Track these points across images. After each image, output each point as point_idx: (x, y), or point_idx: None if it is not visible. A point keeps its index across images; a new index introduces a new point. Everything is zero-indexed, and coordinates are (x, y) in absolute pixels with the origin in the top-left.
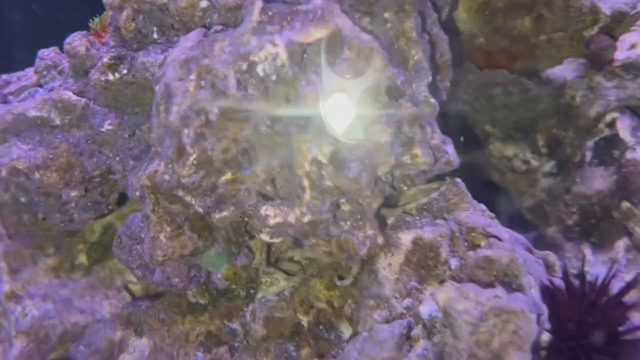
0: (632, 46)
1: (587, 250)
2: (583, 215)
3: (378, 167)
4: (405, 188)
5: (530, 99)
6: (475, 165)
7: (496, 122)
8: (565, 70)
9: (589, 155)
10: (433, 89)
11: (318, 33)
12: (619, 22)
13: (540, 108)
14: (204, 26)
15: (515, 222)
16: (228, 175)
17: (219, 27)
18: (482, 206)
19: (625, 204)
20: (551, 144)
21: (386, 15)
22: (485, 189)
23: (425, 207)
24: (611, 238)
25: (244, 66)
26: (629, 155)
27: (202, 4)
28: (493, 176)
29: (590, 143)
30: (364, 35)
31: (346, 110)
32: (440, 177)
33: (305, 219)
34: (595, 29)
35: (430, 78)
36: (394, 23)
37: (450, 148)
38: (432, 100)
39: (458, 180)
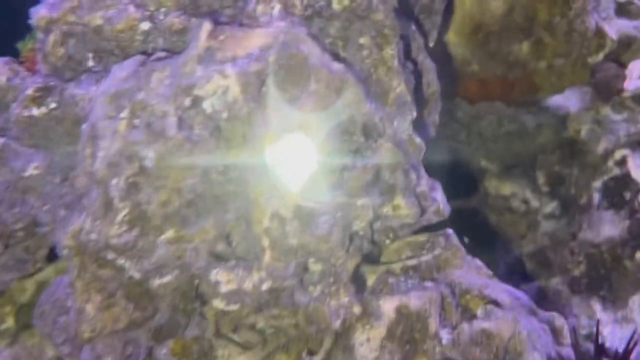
0: None
1: (597, 307)
2: (591, 265)
3: (353, 222)
4: (388, 242)
5: (529, 132)
6: (469, 209)
7: (492, 158)
8: (567, 100)
9: (597, 196)
10: (419, 125)
11: (279, 61)
12: (626, 48)
13: (540, 142)
14: (144, 52)
15: (515, 270)
16: (170, 233)
17: (163, 54)
18: (478, 262)
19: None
20: (553, 182)
21: (362, 40)
22: (482, 232)
23: (412, 266)
24: (624, 292)
25: (187, 102)
26: None
27: (143, 26)
28: (490, 217)
29: (598, 183)
30: (334, 64)
31: (313, 154)
32: (428, 227)
33: (265, 286)
34: (601, 55)
35: (414, 114)
36: (371, 50)
37: (439, 195)
38: (418, 140)
39: (449, 231)
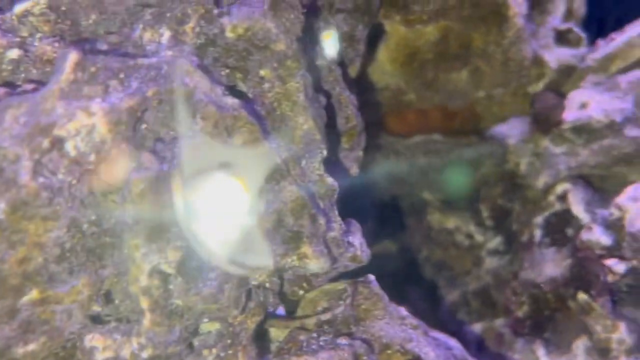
0: (583, 105)
1: (541, 351)
2: (534, 306)
3: (251, 275)
4: (302, 292)
5: (471, 163)
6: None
7: (434, 190)
8: (510, 130)
9: (538, 233)
10: (334, 163)
11: (158, 96)
12: (567, 77)
13: (483, 173)
14: (12, 84)
15: (459, 308)
16: (33, 294)
17: (30, 87)
18: (402, 311)
19: (582, 296)
20: (497, 216)
21: (263, 73)
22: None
23: (327, 320)
24: (569, 335)
25: (46, 143)
26: (584, 235)
27: (11, 54)
28: (435, 252)
29: (539, 219)
30: (227, 100)
31: (199, 202)
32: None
33: (145, 354)
34: (541, 85)
35: (325, 152)
36: (273, 83)
37: (357, 239)
38: (329, 180)
39: (370, 278)
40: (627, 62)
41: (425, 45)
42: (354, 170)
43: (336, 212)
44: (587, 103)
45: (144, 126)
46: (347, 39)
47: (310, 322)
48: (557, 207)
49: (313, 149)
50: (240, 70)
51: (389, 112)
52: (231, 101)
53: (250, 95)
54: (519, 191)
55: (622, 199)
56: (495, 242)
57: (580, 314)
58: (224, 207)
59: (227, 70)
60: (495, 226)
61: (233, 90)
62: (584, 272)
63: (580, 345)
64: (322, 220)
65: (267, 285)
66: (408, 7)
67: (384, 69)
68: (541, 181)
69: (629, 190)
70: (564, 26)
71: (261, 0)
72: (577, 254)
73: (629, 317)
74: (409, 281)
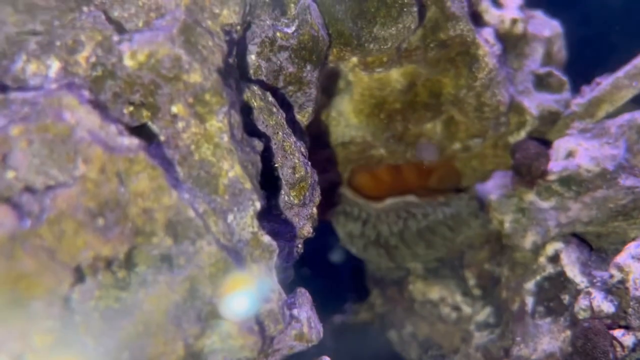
0: (570, 154)
1: None
2: None
3: None
4: None
5: (452, 225)
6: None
7: (415, 256)
8: (493, 186)
9: (530, 301)
10: (278, 221)
11: (26, 136)
12: (550, 125)
13: (467, 236)
14: None
15: None
16: None
17: None
18: None
19: None
20: (485, 284)
21: (175, 109)
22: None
23: None
24: None
25: None
26: (582, 302)
27: None
28: (420, 328)
29: (530, 285)
30: (121, 139)
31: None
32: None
33: None
34: (523, 134)
35: (257, 205)
36: (188, 122)
37: (304, 312)
38: (266, 240)
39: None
40: (615, 105)
41: (392, 95)
42: (307, 229)
43: (275, 279)
44: (575, 151)
45: (9, 174)
46: (294, 82)
47: None
48: (550, 270)
49: (242, 202)
50: (148, 107)
51: (358, 169)
52: (128, 142)
53: (162, 137)
54: (507, 253)
55: (622, 257)
56: (485, 313)
57: None
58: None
59: (131, 108)
60: (483, 295)
61: (140, 132)
62: (590, 347)
63: None
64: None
65: None
66: (363, 46)
67: (349, 121)
68: (529, 240)
69: (631, 247)
70: (543, 70)
71: (170, 25)
72: (582, 325)
73: None
74: None
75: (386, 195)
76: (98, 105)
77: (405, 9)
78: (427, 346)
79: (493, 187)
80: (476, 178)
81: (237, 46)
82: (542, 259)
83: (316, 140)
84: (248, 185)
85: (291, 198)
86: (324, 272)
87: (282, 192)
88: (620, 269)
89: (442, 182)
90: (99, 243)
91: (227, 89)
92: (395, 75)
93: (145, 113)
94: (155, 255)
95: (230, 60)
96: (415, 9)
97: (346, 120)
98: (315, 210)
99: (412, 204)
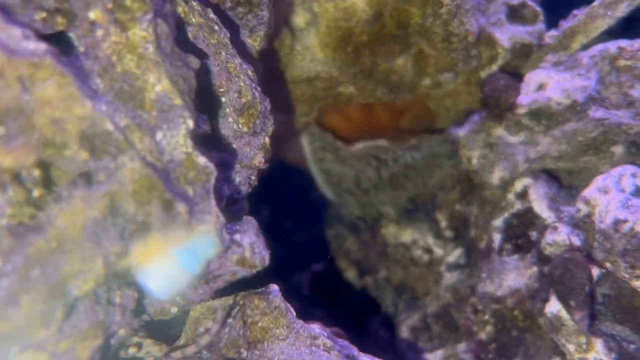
0: (540, 86)
1: None
2: (500, 326)
3: (68, 284)
4: (175, 310)
5: (425, 167)
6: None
7: (387, 200)
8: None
9: (497, 238)
10: (223, 145)
11: None
12: (524, 58)
13: (439, 177)
14: None
15: (420, 334)
16: None
17: None
18: (314, 329)
19: (551, 309)
20: (456, 225)
21: (92, 15)
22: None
23: (207, 344)
24: (541, 358)
25: None
26: (548, 237)
27: None
28: (394, 272)
29: (498, 222)
30: (26, 44)
31: None
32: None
33: None
34: (495, 68)
35: (190, 123)
36: (108, 30)
37: (247, 238)
38: (201, 161)
39: (272, 289)
40: (589, 36)
41: (359, 26)
42: (259, 159)
43: (212, 202)
44: (546, 83)
45: None
46: (244, 2)
47: (192, 350)
48: (518, 206)
49: (173, 119)
50: (63, 14)
51: (327, 108)
52: (33, 46)
53: (81, 48)
54: (476, 192)
55: (589, 191)
56: (455, 254)
57: (551, 332)
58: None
59: (44, 14)
60: (455, 237)
61: (58, 42)
62: (567, 277)
63: None
64: (182, 208)
65: (114, 298)
66: None
67: (315, 56)
68: (496, 176)
69: (597, 181)
70: (517, 1)
71: None
72: (563, 255)
73: (607, 333)
74: (370, 307)
75: (358, 136)
76: (7, 10)
77: None
78: (401, 290)
79: (465, 126)
80: (450, 119)
81: None
82: (510, 196)
83: (278, 76)
84: (178, 101)
85: (240, 125)
86: (297, 217)
87: (230, 119)
88: (586, 202)
89: (415, 122)
90: (0, 153)
91: None
92: (361, 5)
93: (60, 20)
94: (72, 170)
95: None
96: None
97: (312, 55)
98: (267, 140)
99: (383, 149)
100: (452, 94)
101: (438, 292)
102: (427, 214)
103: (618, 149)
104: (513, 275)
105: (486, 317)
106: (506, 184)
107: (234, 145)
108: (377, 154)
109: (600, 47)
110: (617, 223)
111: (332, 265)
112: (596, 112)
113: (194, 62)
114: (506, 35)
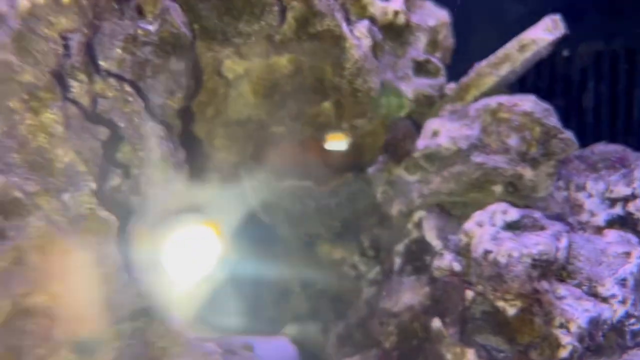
0: (434, 133)
1: None
2: (402, 336)
3: None
4: None
5: (354, 196)
6: None
7: (319, 225)
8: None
9: (398, 261)
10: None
11: None
12: (428, 107)
13: (363, 204)
14: None
15: (346, 341)
16: None
17: None
18: (209, 347)
19: (436, 323)
20: (376, 246)
21: (12, 105)
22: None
23: None
24: None
25: None
26: (436, 262)
27: None
28: (331, 285)
29: (399, 246)
30: None
31: None
32: None
33: None
34: (402, 114)
35: (92, 185)
36: (23, 115)
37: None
38: (103, 214)
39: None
40: (481, 90)
41: (282, 79)
42: (171, 203)
43: (111, 248)
44: (438, 131)
45: None
46: (163, 71)
47: None
48: (415, 234)
49: (78, 182)
50: None
51: (262, 145)
52: None
53: (5, 128)
54: (386, 220)
55: (468, 224)
56: (375, 272)
57: (435, 343)
58: None
59: None
60: (375, 255)
61: None
62: (445, 297)
63: None
64: (81, 257)
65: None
66: (229, 41)
67: (247, 101)
68: (395, 209)
69: (476, 215)
70: (422, 57)
71: (4, 33)
72: (443, 279)
73: (480, 344)
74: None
75: (291, 170)
76: None
77: (267, 8)
78: (335, 302)
79: (374, 165)
80: (374, 153)
81: (100, 45)
82: (409, 225)
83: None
84: (82, 167)
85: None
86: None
87: (149, 170)
88: (466, 234)
89: (345, 156)
90: None
91: (59, 86)
92: (284, 62)
93: None
94: None
95: (75, 60)
96: (276, 7)
97: (245, 100)
98: (180, 187)
99: (309, 189)
100: (372, 134)
101: (359, 304)
102: (356, 235)
103: (497, 188)
104: (409, 294)
105: (391, 328)
106: (405, 215)
107: (151, 192)
108: (303, 194)
109: (483, 101)
110: (485, 253)
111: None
112: (477, 157)
113: (103, 133)
114: (410, 88)
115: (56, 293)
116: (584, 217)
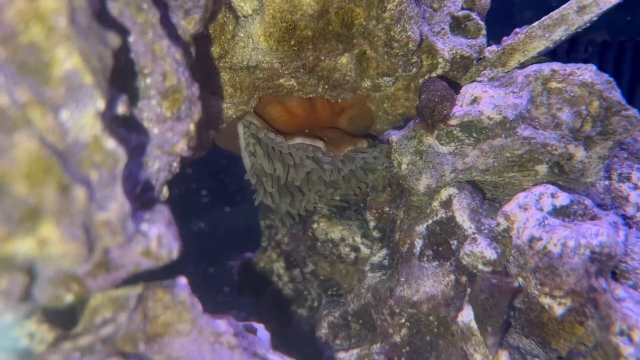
0: (474, 100)
1: None
2: (415, 329)
3: None
4: (70, 297)
5: (360, 172)
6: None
7: (320, 195)
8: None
9: (418, 244)
10: (142, 132)
11: None
12: (463, 70)
13: (373, 178)
14: None
15: (340, 331)
16: None
17: None
18: (219, 326)
19: (464, 318)
20: (384, 227)
21: None
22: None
23: (105, 337)
24: None
25: None
26: (467, 247)
27: None
28: (321, 267)
29: (421, 228)
30: None
31: None
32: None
33: None
34: (434, 76)
35: (100, 104)
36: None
37: (155, 229)
38: (110, 145)
39: (177, 282)
40: (527, 55)
41: (303, 20)
42: (181, 146)
43: (119, 189)
44: (480, 97)
45: None
46: None
47: (85, 341)
48: (442, 214)
49: (81, 98)
50: None
51: (268, 99)
52: None
53: None
54: (404, 196)
55: (510, 206)
56: (381, 255)
57: (461, 340)
58: None
59: None
60: (382, 237)
61: None
62: (490, 303)
63: None
64: (80, 193)
65: None
66: None
67: (258, 45)
68: (423, 183)
69: (518, 197)
70: (462, 12)
71: None
72: (490, 280)
73: (513, 346)
74: (296, 299)
75: (298, 130)
76: None
77: None
78: (327, 286)
79: (399, 131)
80: (389, 122)
81: None
82: (435, 203)
83: (216, 62)
84: (89, 80)
85: (163, 110)
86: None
87: (154, 102)
88: (506, 217)
89: (353, 122)
90: None
91: None
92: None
93: None
94: None
95: None
96: None
97: (255, 43)
98: (192, 127)
99: (319, 151)
100: (391, 98)
101: (360, 291)
102: (359, 213)
103: (542, 168)
104: (430, 282)
105: (402, 320)
106: (432, 192)
107: (155, 130)
108: (312, 155)
109: (534, 67)
110: (532, 240)
111: (264, 254)
112: (524, 131)
113: (114, 40)
114: (447, 46)
115: (45, 239)
116: (630, 210)
